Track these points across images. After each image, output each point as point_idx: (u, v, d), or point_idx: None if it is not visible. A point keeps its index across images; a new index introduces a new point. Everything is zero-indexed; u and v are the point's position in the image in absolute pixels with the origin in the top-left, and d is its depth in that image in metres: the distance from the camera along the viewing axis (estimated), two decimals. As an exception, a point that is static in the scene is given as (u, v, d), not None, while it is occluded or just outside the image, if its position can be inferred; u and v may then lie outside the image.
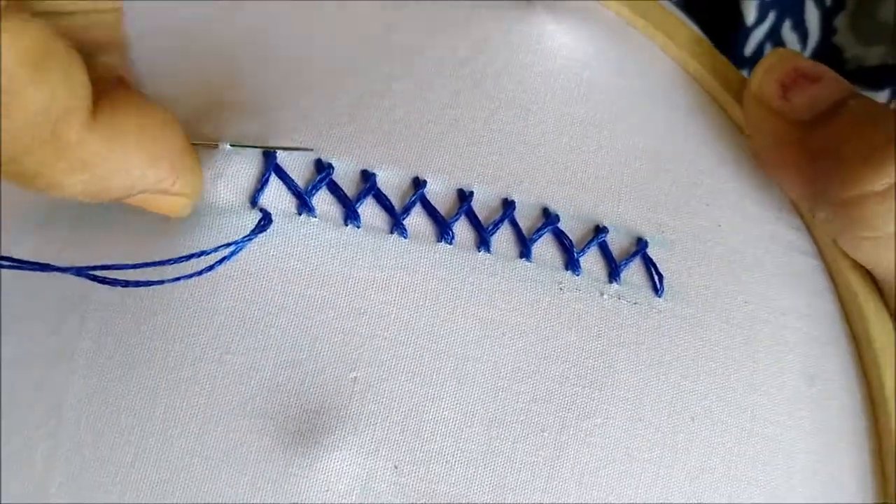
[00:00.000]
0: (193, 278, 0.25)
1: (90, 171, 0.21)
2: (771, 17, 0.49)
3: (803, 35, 0.50)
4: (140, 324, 0.26)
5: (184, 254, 0.25)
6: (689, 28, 0.31)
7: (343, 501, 0.25)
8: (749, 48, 0.50)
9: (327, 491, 0.25)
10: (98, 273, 0.25)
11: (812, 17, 0.50)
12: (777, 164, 0.28)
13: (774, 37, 0.50)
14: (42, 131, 0.20)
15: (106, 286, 0.25)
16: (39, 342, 0.26)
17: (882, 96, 0.50)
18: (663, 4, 0.32)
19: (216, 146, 0.26)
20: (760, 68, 0.29)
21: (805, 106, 0.28)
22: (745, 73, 0.51)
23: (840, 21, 0.50)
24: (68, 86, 0.20)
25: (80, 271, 0.24)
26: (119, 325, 0.26)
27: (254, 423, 0.25)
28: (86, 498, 0.25)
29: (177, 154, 0.24)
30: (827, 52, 0.50)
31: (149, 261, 0.25)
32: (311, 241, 0.26)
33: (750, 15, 0.49)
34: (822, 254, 0.29)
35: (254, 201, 0.26)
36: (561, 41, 0.29)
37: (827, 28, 0.50)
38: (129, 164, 0.22)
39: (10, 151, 0.20)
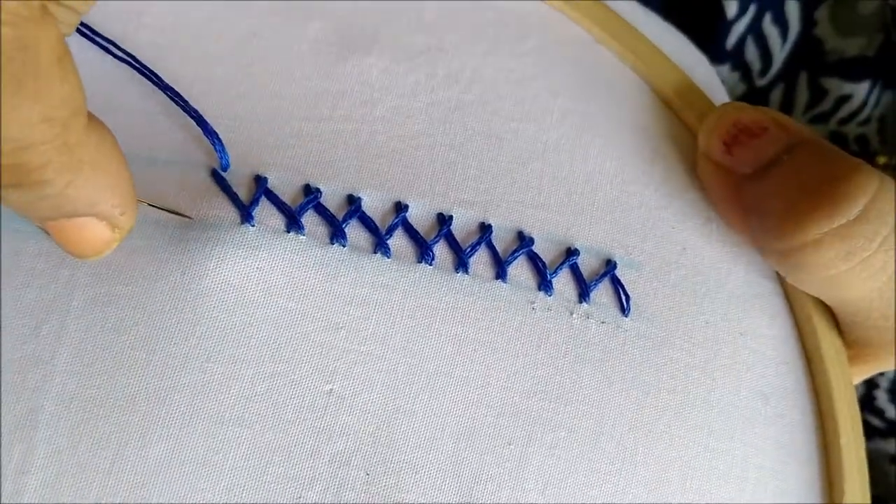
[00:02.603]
0: (177, 288, 0.27)
1: (77, 174, 0.23)
2: (751, 10, 0.50)
3: (784, 28, 0.51)
4: (122, 333, 0.26)
5: (171, 267, 0.27)
6: (656, 49, 0.32)
7: None
8: (730, 42, 0.50)
9: (300, 498, 0.26)
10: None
11: (792, 9, 0.50)
12: (725, 216, 0.29)
13: (755, 30, 0.50)
14: (57, 126, 0.21)
15: (87, 295, 0.26)
16: (16, 346, 0.27)
17: (862, 88, 0.51)
18: (634, 23, 0.32)
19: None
20: (704, 126, 0.29)
21: (747, 160, 0.28)
22: (726, 67, 0.52)
23: (820, 13, 0.51)
24: (79, 87, 0.21)
25: None
26: (101, 333, 0.27)
27: (231, 431, 0.26)
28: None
29: (130, 187, 0.25)
30: (807, 45, 0.51)
31: (124, 280, 0.27)
32: (297, 258, 0.27)
33: (731, 8, 0.49)
34: (779, 276, 0.30)
35: (244, 218, 0.27)
36: (533, 71, 0.30)
37: (807, 20, 0.51)
38: (100, 180, 0.24)
39: (28, 140, 0.21)
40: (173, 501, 0.25)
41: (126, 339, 0.26)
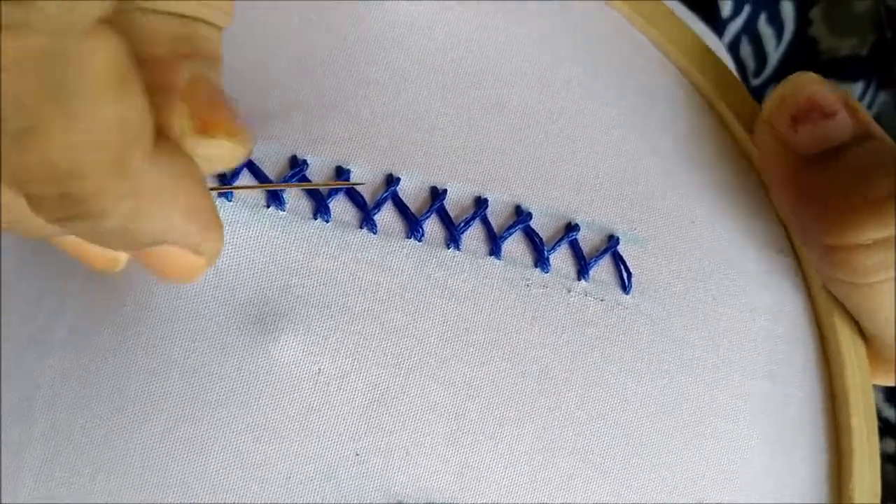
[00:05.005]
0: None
1: (138, 202, 0.20)
2: (746, 10, 0.49)
3: (779, 28, 0.50)
4: (115, 312, 0.26)
5: None
6: (672, 13, 0.30)
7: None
8: (725, 41, 0.50)
9: (290, 476, 0.25)
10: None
11: (787, 9, 0.50)
12: (776, 193, 0.28)
13: (750, 29, 0.50)
14: (109, 152, 0.18)
15: (79, 279, 0.26)
16: (16, 328, 0.27)
17: (856, 89, 0.51)
18: None
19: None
20: (775, 94, 0.27)
21: (811, 141, 0.26)
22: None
23: (815, 13, 0.51)
24: (140, 111, 0.19)
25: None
26: (95, 310, 0.26)
27: (220, 411, 0.25)
28: (58, 479, 0.25)
29: (210, 212, 0.22)
30: (802, 45, 0.51)
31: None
32: (276, 233, 0.26)
33: (725, 8, 0.49)
34: (796, 252, 0.29)
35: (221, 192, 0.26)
36: (537, 35, 0.29)
37: (802, 20, 0.50)
38: (172, 208, 0.21)
39: (76, 166, 0.18)
40: (167, 481, 0.25)
41: (118, 317, 0.26)
